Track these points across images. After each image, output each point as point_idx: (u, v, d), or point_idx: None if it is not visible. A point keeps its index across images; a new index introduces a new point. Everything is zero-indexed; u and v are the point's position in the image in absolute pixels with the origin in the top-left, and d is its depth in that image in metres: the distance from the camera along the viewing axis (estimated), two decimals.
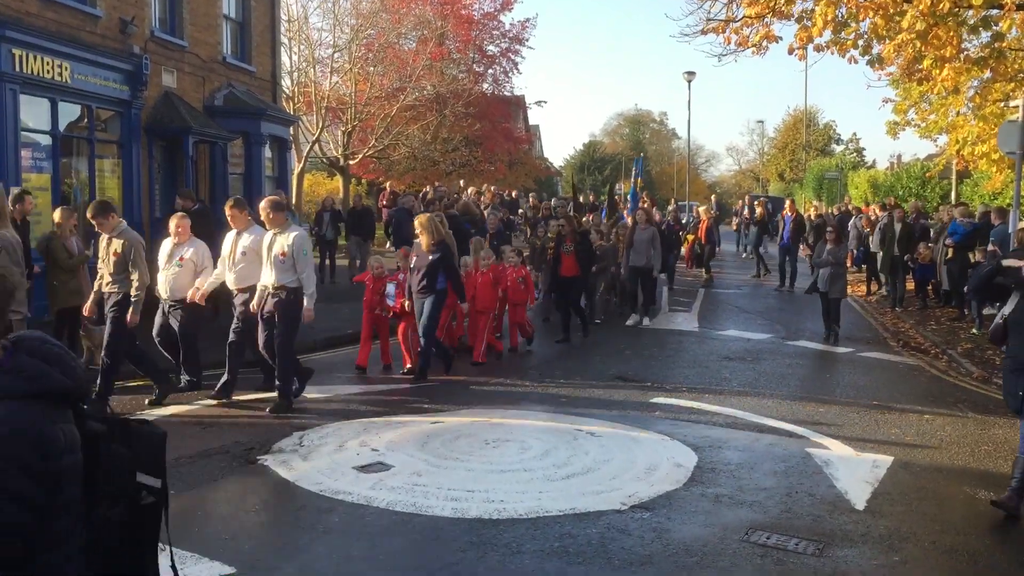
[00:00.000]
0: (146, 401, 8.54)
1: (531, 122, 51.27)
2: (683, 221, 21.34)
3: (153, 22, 15.68)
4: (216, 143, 17.11)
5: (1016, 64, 12.67)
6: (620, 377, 10.36)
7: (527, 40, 32.79)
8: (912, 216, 17.62)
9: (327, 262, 18.22)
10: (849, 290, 15.33)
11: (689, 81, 36.05)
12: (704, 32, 13.13)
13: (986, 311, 12.39)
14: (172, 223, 9.08)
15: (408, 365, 10.15)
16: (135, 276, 8.10)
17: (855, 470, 6.89)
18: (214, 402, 8.50)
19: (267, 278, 8.32)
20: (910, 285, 17.18)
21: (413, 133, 27.49)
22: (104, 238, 8.33)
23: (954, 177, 24.13)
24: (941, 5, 10.21)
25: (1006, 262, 5.90)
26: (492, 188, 27.13)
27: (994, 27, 11.69)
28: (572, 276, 12.77)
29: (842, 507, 6.05)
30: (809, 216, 21.68)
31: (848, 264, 17.52)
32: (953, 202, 21.59)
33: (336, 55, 26.30)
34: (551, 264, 13.27)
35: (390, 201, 20.50)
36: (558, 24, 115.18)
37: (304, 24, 26.13)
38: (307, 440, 7.35)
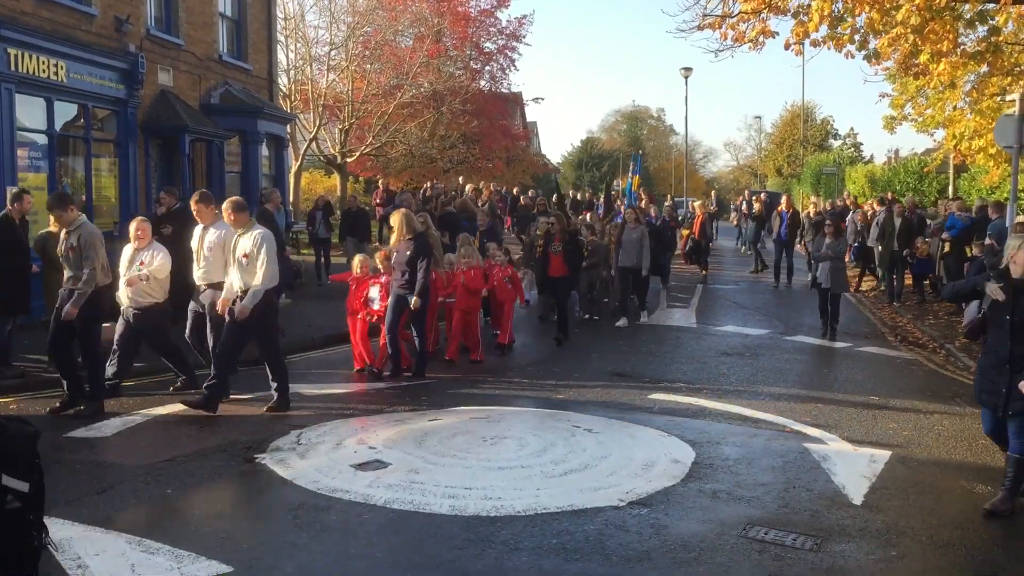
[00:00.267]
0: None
1: (528, 119, 51.27)
2: (679, 219, 21.24)
3: (149, 20, 15.66)
4: (213, 141, 17.09)
5: (1013, 58, 12.66)
6: (618, 374, 10.36)
7: (524, 37, 32.84)
8: (910, 211, 17.62)
9: (322, 260, 18.20)
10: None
11: (686, 77, 36.03)
12: (700, 28, 13.09)
13: None
14: (132, 227, 8.80)
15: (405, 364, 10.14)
16: (86, 270, 7.88)
17: (853, 465, 6.89)
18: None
19: (235, 281, 8.19)
20: (908, 280, 17.19)
21: (410, 130, 27.48)
22: (64, 233, 8.16)
23: (951, 171, 24.14)
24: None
25: (991, 290, 5.86)
26: (492, 185, 27.11)
27: (990, 21, 11.68)
28: (560, 276, 12.47)
29: (840, 502, 6.06)
30: (808, 213, 21.64)
31: (846, 258, 17.51)
32: (951, 196, 21.60)
33: (333, 53, 26.31)
34: (539, 263, 12.97)
35: (384, 199, 20.37)
36: (555, 21, 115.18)
37: (300, 22, 26.16)
38: (305, 438, 7.35)
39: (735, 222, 34.69)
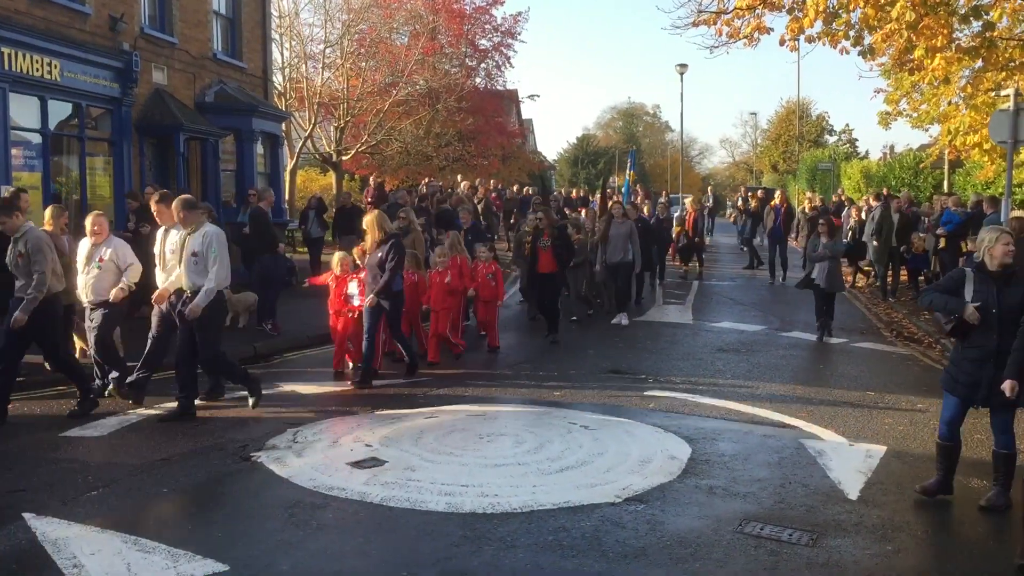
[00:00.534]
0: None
1: (524, 116, 51.28)
2: (674, 216, 21.13)
3: (143, 19, 15.62)
4: (207, 140, 17.06)
5: (1007, 53, 12.66)
6: (614, 370, 10.37)
7: (519, 34, 32.74)
8: (905, 206, 17.65)
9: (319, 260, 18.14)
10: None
11: (681, 74, 36.06)
12: (695, 24, 13.11)
13: None
14: (88, 221, 8.52)
15: (405, 359, 10.15)
16: (36, 276, 7.69)
17: (848, 460, 6.90)
18: (206, 400, 8.47)
19: (184, 281, 7.98)
20: (903, 275, 17.21)
21: (406, 128, 27.44)
22: (12, 240, 7.93)
23: (946, 167, 24.18)
24: None
25: (968, 315, 5.82)
26: (491, 183, 27.05)
27: (985, 16, 11.70)
28: (549, 273, 12.22)
29: (836, 497, 6.07)
30: (803, 209, 21.63)
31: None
32: (946, 192, 21.63)
33: (328, 50, 26.23)
34: (528, 260, 12.66)
35: (375, 197, 20.14)
36: (550, 18, 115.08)
37: (295, 20, 26.08)
38: (301, 436, 7.34)
39: (732, 219, 34.71)
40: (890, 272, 16.88)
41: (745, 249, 24.33)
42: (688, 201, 23.04)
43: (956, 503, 6.15)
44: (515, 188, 28.69)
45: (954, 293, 6.01)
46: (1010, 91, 12.76)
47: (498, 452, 6.96)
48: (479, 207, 19.58)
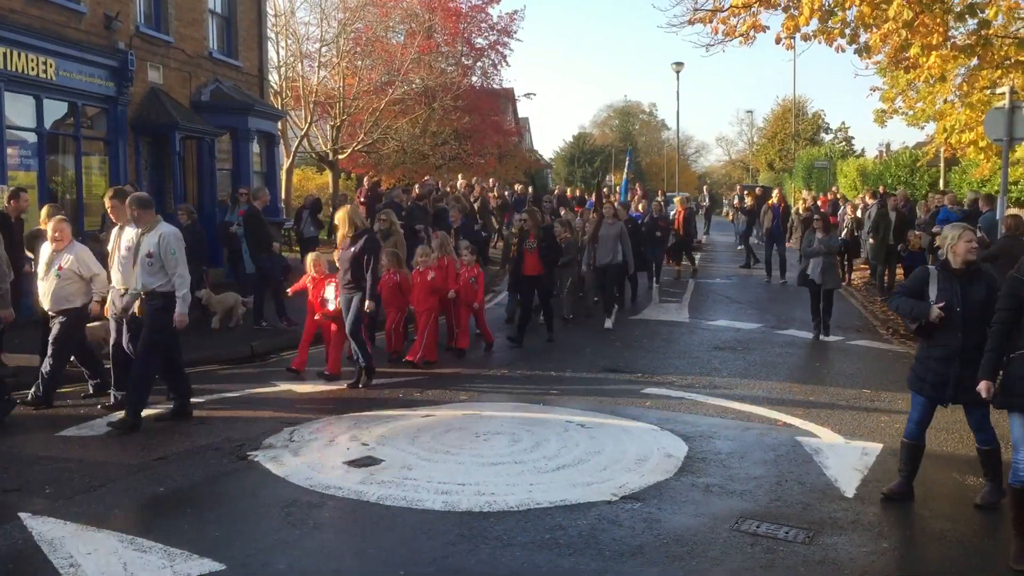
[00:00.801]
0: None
1: (520, 115, 51.23)
2: (669, 215, 21.04)
3: (138, 17, 15.60)
4: (203, 139, 17.04)
5: (1002, 51, 12.68)
6: (610, 369, 10.37)
7: (515, 32, 32.74)
8: (902, 204, 17.68)
9: None
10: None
11: (678, 72, 36.19)
12: (691, 22, 13.12)
13: None
14: (49, 227, 8.22)
15: (408, 357, 10.19)
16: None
17: (845, 458, 6.92)
18: (203, 400, 8.47)
19: (137, 281, 7.64)
20: (899, 273, 17.22)
21: (402, 127, 27.44)
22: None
23: (942, 165, 24.22)
24: None
25: (932, 316, 5.83)
26: (491, 181, 26.98)
27: (980, 14, 11.71)
28: (535, 275, 11.98)
29: (832, 495, 6.08)
30: (797, 210, 21.60)
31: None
32: (942, 189, 21.66)
33: (324, 49, 26.21)
34: (513, 261, 12.27)
35: (368, 196, 20.05)
36: (546, 16, 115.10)
37: (291, 18, 26.05)
38: (297, 435, 7.34)
39: (730, 217, 34.72)
40: (887, 269, 16.90)
41: (742, 247, 24.30)
42: (677, 200, 22.90)
43: (951, 500, 6.16)
44: (516, 188, 28.62)
45: (919, 293, 6.02)
46: (1005, 89, 12.80)
47: (494, 451, 6.96)
48: (475, 206, 19.55)
